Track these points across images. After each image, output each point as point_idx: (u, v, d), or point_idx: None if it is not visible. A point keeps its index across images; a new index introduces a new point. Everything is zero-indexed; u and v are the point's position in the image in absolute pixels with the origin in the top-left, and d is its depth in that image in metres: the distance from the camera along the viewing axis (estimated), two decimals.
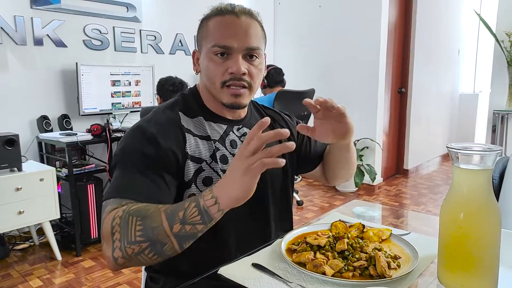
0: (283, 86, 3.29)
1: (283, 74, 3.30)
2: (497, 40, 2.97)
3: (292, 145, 0.64)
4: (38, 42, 2.72)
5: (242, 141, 0.97)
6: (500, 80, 3.08)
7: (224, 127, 0.96)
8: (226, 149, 0.94)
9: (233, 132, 0.97)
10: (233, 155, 0.95)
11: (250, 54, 0.89)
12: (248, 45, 0.87)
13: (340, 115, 0.85)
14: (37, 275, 2.30)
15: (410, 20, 4.34)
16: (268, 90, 3.25)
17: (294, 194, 3.65)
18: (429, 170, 4.89)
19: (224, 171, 0.92)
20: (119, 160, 0.84)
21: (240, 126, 0.99)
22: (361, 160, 3.88)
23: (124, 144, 0.86)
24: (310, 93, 3.34)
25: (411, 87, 4.44)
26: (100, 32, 3.05)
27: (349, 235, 0.84)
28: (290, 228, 1.10)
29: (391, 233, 0.92)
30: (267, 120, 0.65)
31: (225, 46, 0.86)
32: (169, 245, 0.68)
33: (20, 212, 2.27)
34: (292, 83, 3.80)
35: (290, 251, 0.85)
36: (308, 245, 0.83)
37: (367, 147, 3.93)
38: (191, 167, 0.88)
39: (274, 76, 3.22)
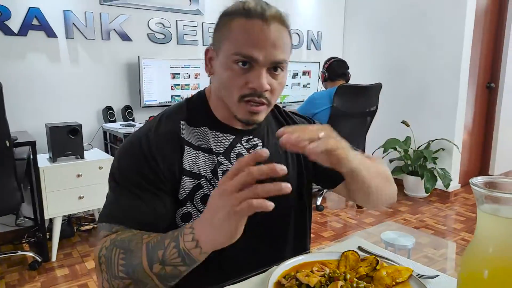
0: (347, 80, 3.05)
1: (347, 67, 3.05)
2: None
3: (287, 187, 0.54)
4: (106, 36, 2.87)
5: None
6: None
7: (231, 138, 0.86)
8: (231, 163, 0.84)
9: (241, 144, 0.87)
10: None
11: (274, 67, 0.77)
12: (275, 59, 0.75)
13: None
14: (93, 257, 2.45)
15: (506, 3, 3.75)
16: (329, 84, 3.03)
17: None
18: None
19: None
20: (114, 179, 0.80)
21: (251, 137, 0.88)
22: (435, 163, 3.49)
23: (119, 161, 0.82)
24: (376, 87, 3.06)
25: (503, 81, 3.86)
26: (164, 26, 3.12)
27: (347, 276, 0.69)
28: (305, 248, 0.99)
29: (411, 274, 0.75)
30: (265, 153, 0.55)
31: (249, 57, 0.74)
32: (151, 284, 0.65)
33: (80, 197, 2.43)
34: (360, 77, 3.53)
35: (279, 285, 0.73)
36: (297, 282, 0.71)
37: (443, 149, 3.52)
38: (187, 183, 0.81)
39: (336, 69, 2.99)
